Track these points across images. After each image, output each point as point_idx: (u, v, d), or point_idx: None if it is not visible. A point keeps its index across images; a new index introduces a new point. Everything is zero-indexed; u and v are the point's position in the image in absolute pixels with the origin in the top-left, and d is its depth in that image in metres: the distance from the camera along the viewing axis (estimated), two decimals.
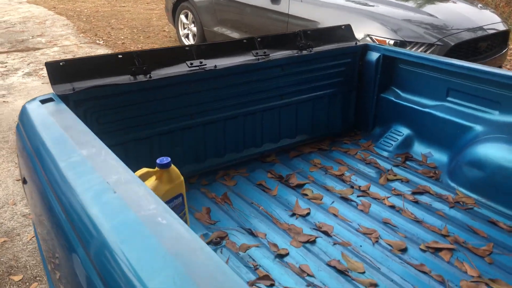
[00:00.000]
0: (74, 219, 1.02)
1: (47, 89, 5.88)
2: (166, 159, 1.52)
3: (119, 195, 1.00)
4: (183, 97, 1.99)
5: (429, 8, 4.20)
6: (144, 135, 1.95)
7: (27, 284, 2.47)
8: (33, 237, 2.85)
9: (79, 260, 0.96)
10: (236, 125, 2.19)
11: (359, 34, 3.56)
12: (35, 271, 2.56)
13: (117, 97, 1.83)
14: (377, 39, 3.67)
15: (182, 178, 1.58)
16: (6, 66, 6.90)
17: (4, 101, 5.49)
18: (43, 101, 1.62)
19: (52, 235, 1.23)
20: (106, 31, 8.20)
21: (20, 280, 2.49)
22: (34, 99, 1.67)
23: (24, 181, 1.55)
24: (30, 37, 7.74)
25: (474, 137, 2.04)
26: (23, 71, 6.70)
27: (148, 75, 1.87)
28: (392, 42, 3.63)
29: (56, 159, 1.22)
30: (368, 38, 3.71)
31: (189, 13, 6.17)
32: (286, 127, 2.37)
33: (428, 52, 3.56)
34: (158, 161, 1.52)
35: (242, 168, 2.24)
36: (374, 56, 2.41)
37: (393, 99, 2.42)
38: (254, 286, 1.48)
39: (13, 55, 6.96)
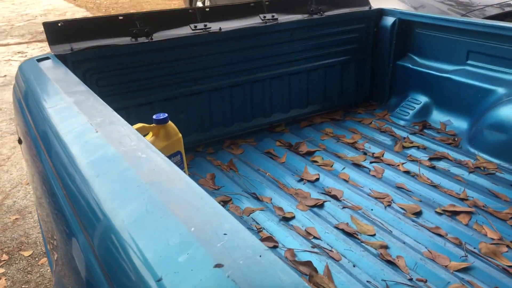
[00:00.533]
0: (55, 162, 0.97)
1: None
2: (163, 115, 1.45)
3: (101, 134, 0.94)
4: (186, 61, 1.92)
5: None
6: (146, 100, 1.88)
7: (36, 259, 2.45)
8: None
9: (60, 200, 0.91)
10: (243, 93, 2.11)
11: None
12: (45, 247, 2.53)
13: (117, 58, 1.77)
14: None
15: (180, 135, 1.50)
16: (26, 56, 6.98)
17: None
18: (39, 60, 1.57)
19: (41, 187, 1.18)
20: None
21: (29, 256, 2.48)
22: (31, 58, 1.62)
23: (20, 141, 1.50)
24: None
25: (496, 100, 1.91)
26: None
27: (149, 37, 1.80)
28: None
29: (44, 107, 1.17)
30: None
31: (207, 0, 6.13)
32: (296, 96, 2.27)
33: None
34: (154, 116, 1.45)
35: (250, 137, 2.16)
36: (389, 21, 2.29)
37: (410, 66, 2.30)
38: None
39: (33, 45, 7.04)
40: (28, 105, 1.31)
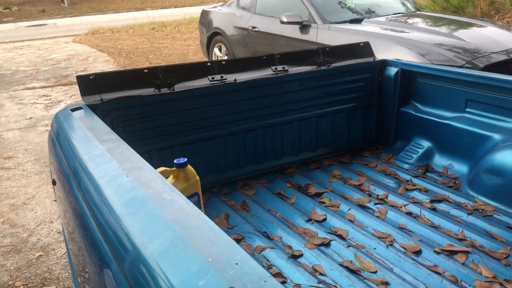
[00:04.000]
0: (90, 202, 1.12)
1: None
2: (183, 159, 1.62)
3: (131, 178, 1.09)
4: (204, 109, 2.10)
5: (461, 33, 4.21)
6: (167, 145, 2.06)
7: None
8: (66, 252, 2.97)
9: (95, 235, 1.05)
10: (256, 137, 2.27)
11: None
12: (67, 283, 2.66)
13: (142, 108, 1.95)
14: None
15: (198, 178, 1.66)
16: (50, 99, 7.31)
17: (47, 130, 5.80)
18: (73, 110, 1.76)
19: (74, 222, 1.33)
20: (144, 65, 8.58)
21: None
22: (65, 108, 1.81)
23: (54, 182, 1.67)
24: (74, 72, 8.19)
25: (492, 146, 2.03)
26: (65, 103, 7.06)
27: (171, 88, 1.99)
28: None
29: (79, 153, 1.33)
30: None
31: (223, 46, 6.41)
32: (306, 140, 2.43)
33: None
34: (175, 161, 1.61)
35: (262, 179, 2.31)
36: (392, 71, 2.46)
37: (413, 112, 2.45)
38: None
39: (57, 88, 7.38)
40: (64, 150, 1.48)
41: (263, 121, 2.27)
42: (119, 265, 0.89)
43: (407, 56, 3.72)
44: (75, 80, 7.63)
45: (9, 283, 2.68)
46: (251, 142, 2.27)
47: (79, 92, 1.94)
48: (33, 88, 7.50)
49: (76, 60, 9.35)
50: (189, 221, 0.89)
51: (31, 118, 6.36)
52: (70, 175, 1.31)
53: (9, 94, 7.52)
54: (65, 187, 1.39)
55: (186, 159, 1.62)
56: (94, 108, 1.82)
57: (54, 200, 3.78)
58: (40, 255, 2.97)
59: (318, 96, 2.38)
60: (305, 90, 2.33)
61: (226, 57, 6.37)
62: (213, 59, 6.72)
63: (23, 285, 2.65)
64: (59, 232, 3.24)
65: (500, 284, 1.46)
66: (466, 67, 3.62)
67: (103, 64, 8.87)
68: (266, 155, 2.34)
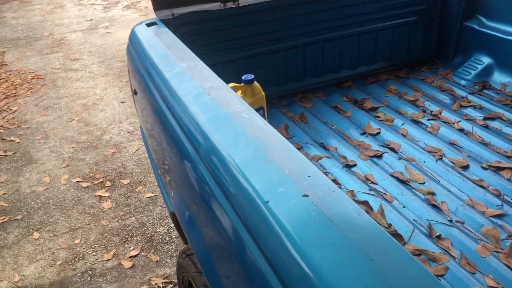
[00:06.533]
0: (177, 114, 1.29)
1: None
2: (250, 76, 1.75)
3: (212, 97, 1.25)
4: (267, 24, 2.18)
5: None
6: (231, 58, 2.19)
7: (134, 186, 2.92)
8: (137, 149, 3.29)
9: (182, 147, 1.24)
10: (315, 51, 2.35)
11: None
12: (140, 177, 3.00)
13: (209, 22, 2.06)
14: None
15: (263, 93, 1.80)
16: (108, 0, 7.42)
17: (107, 32, 6.01)
18: (148, 25, 1.90)
19: (157, 127, 1.53)
20: None
21: (128, 183, 2.95)
22: (140, 23, 1.95)
23: (135, 92, 1.87)
24: None
25: None
26: (122, 4, 7.18)
27: (236, 2, 2.07)
28: None
29: (162, 71, 1.49)
30: None
31: None
32: (364, 54, 2.48)
33: None
34: (243, 77, 1.76)
35: (320, 92, 2.42)
36: None
37: (476, 27, 2.41)
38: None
39: None
40: (145, 65, 1.65)
41: (324, 35, 2.32)
42: (205, 165, 1.08)
43: None
44: None
45: (90, 175, 3.05)
46: (310, 56, 2.36)
47: None
48: None
49: None
50: (268, 138, 1.05)
51: (91, 19, 6.56)
52: (155, 90, 1.48)
53: None
54: (149, 99, 1.58)
55: (253, 76, 1.76)
56: (166, 23, 1.95)
57: (122, 102, 4.07)
58: (114, 152, 3.31)
59: (379, 9, 2.38)
60: (366, 3, 2.33)
61: None
62: None
63: (103, 177, 3.01)
64: (128, 132, 3.56)
65: None
66: None
67: None
68: (324, 68, 2.43)
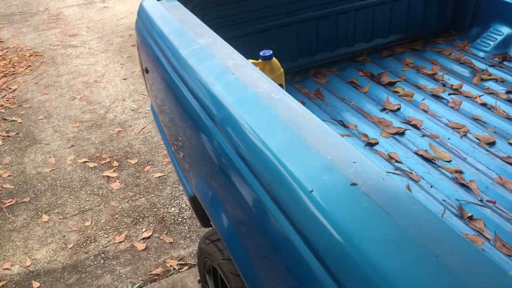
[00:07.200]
0: (200, 97, 1.22)
1: None
2: (268, 52, 1.67)
3: (237, 76, 1.17)
4: None
5: None
6: (242, 33, 2.09)
7: (142, 166, 2.86)
8: (143, 128, 3.22)
9: (207, 132, 1.17)
10: (328, 24, 2.26)
11: None
12: (147, 156, 2.93)
13: None
14: None
15: (282, 70, 1.72)
16: None
17: (104, 7, 5.84)
18: None
19: (176, 114, 1.46)
20: None
21: (136, 163, 2.89)
22: None
23: (146, 71, 1.78)
24: None
25: None
26: None
27: None
28: None
29: (177, 48, 1.41)
30: None
31: None
32: (379, 26, 2.39)
33: None
34: (261, 53, 1.67)
35: (334, 67, 2.34)
36: None
37: None
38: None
39: None
40: (158, 42, 1.56)
41: (337, 7, 2.23)
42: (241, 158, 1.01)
43: None
44: None
45: (97, 155, 2.98)
46: (323, 29, 2.26)
47: None
48: None
49: None
50: (304, 122, 0.98)
51: None
52: (171, 68, 1.40)
53: None
54: (163, 78, 1.50)
55: (271, 52, 1.67)
56: None
57: (124, 79, 3.98)
58: (119, 131, 3.23)
59: None
60: None
61: None
62: None
63: (109, 157, 2.95)
64: (132, 110, 3.47)
65: None
66: None
67: None
68: (338, 42, 2.34)
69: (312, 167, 0.86)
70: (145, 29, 1.71)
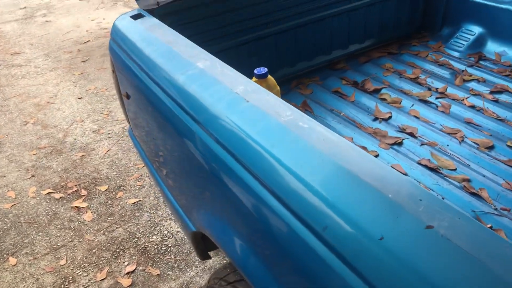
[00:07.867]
0: (211, 128, 1.08)
1: (85, 6, 5.83)
2: (263, 69, 1.56)
3: (252, 104, 1.05)
4: (254, 7, 1.98)
5: None
6: (220, 48, 1.97)
7: (113, 193, 2.66)
8: (108, 150, 3.02)
9: (229, 173, 1.02)
10: (306, 33, 2.18)
11: None
12: (117, 181, 2.74)
13: (197, 9, 1.84)
14: None
15: (278, 87, 1.62)
16: None
17: (46, 21, 5.50)
18: (133, 17, 1.65)
19: (176, 149, 1.32)
20: None
21: (106, 190, 2.69)
22: (124, 15, 1.69)
23: (127, 96, 1.63)
24: None
25: None
26: None
27: None
28: None
29: (171, 74, 1.27)
30: None
31: None
32: (354, 32, 2.34)
33: None
34: (256, 71, 1.56)
35: (314, 76, 2.27)
36: None
37: None
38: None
39: None
40: (143, 66, 1.41)
41: (313, 15, 2.16)
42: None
43: None
44: None
45: (62, 184, 2.76)
46: (301, 38, 2.19)
47: None
48: None
49: None
50: (344, 152, 0.89)
51: (25, 7, 5.99)
52: (166, 95, 1.26)
53: None
54: (155, 107, 1.35)
55: (266, 69, 1.57)
56: (152, 13, 1.70)
57: (79, 98, 3.74)
58: (82, 155, 3.01)
59: None
60: None
61: None
62: None
63: (76, 185, 2.73)
64: (93, 131, 3.26)
65: None
66: None
67: None
68: (316, 50, 2.27)
69: (373, 208, 0.76)
70: (124, 52, 1.55)
